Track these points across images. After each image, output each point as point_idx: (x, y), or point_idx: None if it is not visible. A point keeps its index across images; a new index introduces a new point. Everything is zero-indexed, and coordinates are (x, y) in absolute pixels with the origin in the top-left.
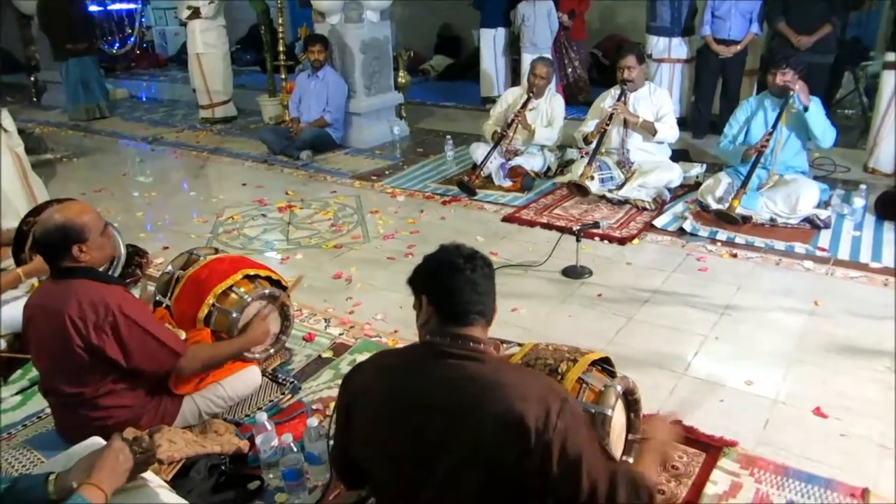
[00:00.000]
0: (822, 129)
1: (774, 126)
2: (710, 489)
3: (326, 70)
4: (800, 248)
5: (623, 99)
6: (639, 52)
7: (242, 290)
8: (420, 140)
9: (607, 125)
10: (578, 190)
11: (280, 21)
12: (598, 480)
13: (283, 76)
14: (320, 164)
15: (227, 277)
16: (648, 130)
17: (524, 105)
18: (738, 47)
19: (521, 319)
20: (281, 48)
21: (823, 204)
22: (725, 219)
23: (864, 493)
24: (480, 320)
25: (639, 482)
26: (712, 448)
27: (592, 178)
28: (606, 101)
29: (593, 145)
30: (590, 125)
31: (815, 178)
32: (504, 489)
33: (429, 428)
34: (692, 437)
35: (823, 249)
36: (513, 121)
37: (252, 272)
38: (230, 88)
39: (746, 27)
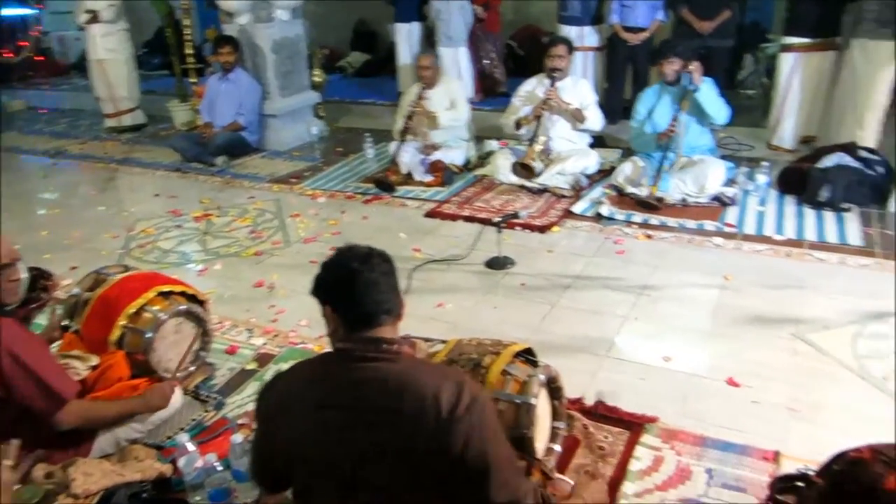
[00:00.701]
0: (715, 108)
1: (678, 112)
2: (633, 465)
3: (238, 72)
4: (709, 225)
5: (553, 85)
6: (569, 42)
7: (156, 307)
8: (339, 139)
9: (543, 110)
10: (524, 170)
11: (186, 23)
12: (502, 486)
13: (192, 80)
14: (237, 169)
15: (138, 296)
16: (577, 118)
17: (420, 97)
18: (646, 34)
19: (447, 314)
20: (189, 51)
21: (730, 182)
22: (645, 205)
23: (776, 455)
24: (388, 319)
25: (545, 498)
26: (635, 425)
27: (534, 159)
28: (536, 89)
29: (524, 130)
30: (524, 111)
31: (722, 157)
32: (430, 485)
33: (350, 432)
34: (615, 417)
35: (731, 225)
36: (411, 113)
37: (166, 288)
38: (137, 95)
39: (652, 15)
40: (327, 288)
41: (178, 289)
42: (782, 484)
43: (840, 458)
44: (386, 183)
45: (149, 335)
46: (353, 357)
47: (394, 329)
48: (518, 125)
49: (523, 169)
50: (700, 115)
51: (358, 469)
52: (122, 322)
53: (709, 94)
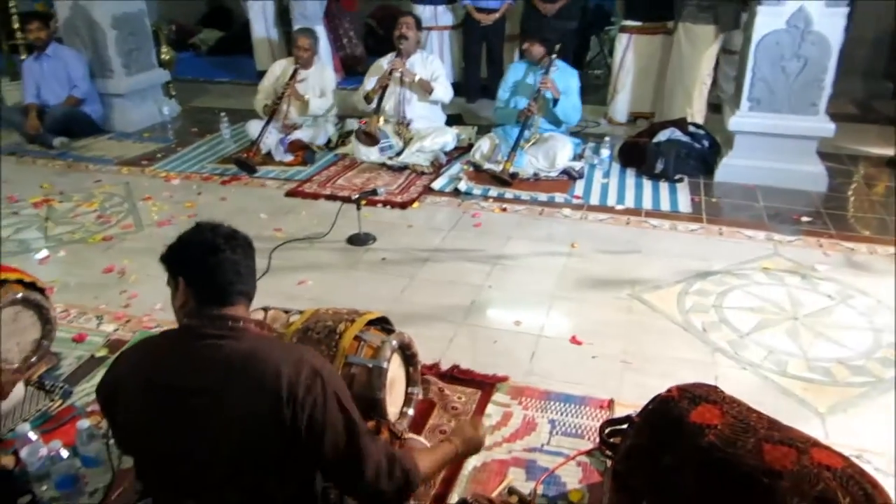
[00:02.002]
0: (567, 116)
1: (535, 96)
2: (484, 422)
3: (55, 47)
4: (559, 197)
5: (400, 55)
6: (416, 17)
7: None
8: (194, 119)
9: (388, 80)
10: (367, 138)
11: None
12: (342, 451)
13: (22, 56)
14: (80, 151)
15: None
16: (425, 89)
17: (292, 76)
18: (497, 15)
19: (308, 291)
20: (15, 25)
21: (578, 157)
22: (499, 181)
23: (611, 403)
24: (242, 300)
25: (398, 460)
26: (486, 385)
27: (378, 127)
28: (384, 63)
29: (373, 104)
30: (370, 83)
31: (571, 134)
32: (271, 460)
33: (189, 410)
34: (469, 378)
35: (578, 197)
36: (283, 94)
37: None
38: None
39: None
40: (184, 261)
41: (13, 276)
42: (610, 427)
43: (654, 398)
44: (248, 164)
45: None
46: (197, 334)
47: (246, 310)
48: (368, 99)
49: (367, 137)
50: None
51: (193, 449)
52: None
53: (563, 107)
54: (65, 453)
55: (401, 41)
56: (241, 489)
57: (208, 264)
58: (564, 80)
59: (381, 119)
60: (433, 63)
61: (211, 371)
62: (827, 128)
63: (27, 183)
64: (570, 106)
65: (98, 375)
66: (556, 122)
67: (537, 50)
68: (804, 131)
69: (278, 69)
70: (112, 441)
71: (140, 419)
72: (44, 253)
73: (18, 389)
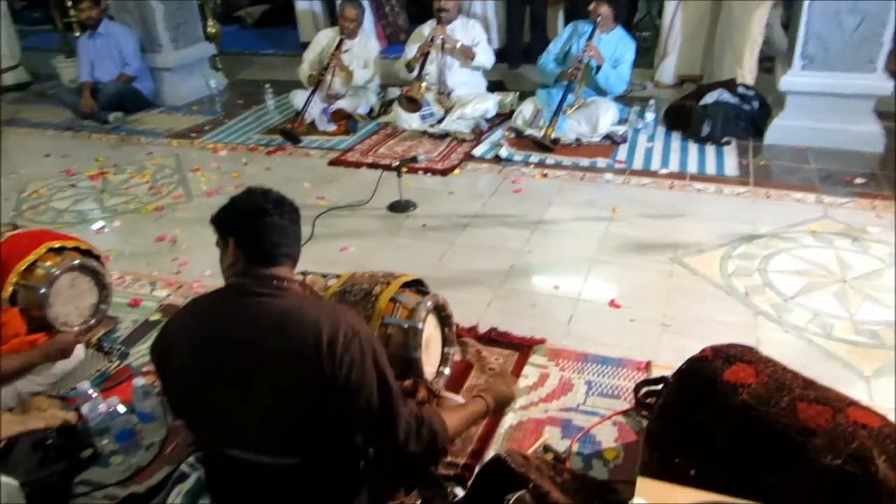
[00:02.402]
0: (610, 85)
1: (579, 62)
2: (521, 383)
3: (106, 24)
4: (601, 162)
5: (440, 22)
6: None
7: (49, 263)
8: (240, 91)
9: (429, 48)
10: (410, 103)
11: None
12: (375, 410)
13: (77, 34)
14: (132, 125)
15: (28, 252)
16: (466, 55)
17: (338, 47)
18: None
19: (350, 257)
20: (69, 3)
21: (621, 121)
22: (541, 146)
23: (648, 365)
24: (288, 262)
25: (426, 419)
26: (524, 347)
27: (420, 93)
28: (425, 29)
29: (416, 72)
30: (411, 51)
31: (615, 98)
32: (314, 412)
33: (234, 363)
34: (506, 341)
35: (621, 162)
36: (328, 64)
37: (57, 244)
38: (17, 51)
39: None
40: (234, 222)
41: (70, 244)
42: (645, 387)
43: (689, 359)
44: (292, 134)
45: (43, 291)
46: (244, 291)
47: (290, 271)
48: (409, 67)
49: (409, 102)
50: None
51: (239, 401)
52: (13, 279)
53: (605, 76)
54: (122, 409)
55: (440, 13)
56: (284, 441)
57: (257, 226)
58: (619, 48)
59: (424, 85)
60: (474, 28)
61: (255, 326)
62: (885, 86)
63: (83, 157)
64: (615, 75)
65: (153, 337)
66: (600, 90)
67: (604, 11)
68: (860, 90)
69: (324, 39)
70: (165, 398)
71: (190, 373)
72: (99, 223)
73: (79, 351)
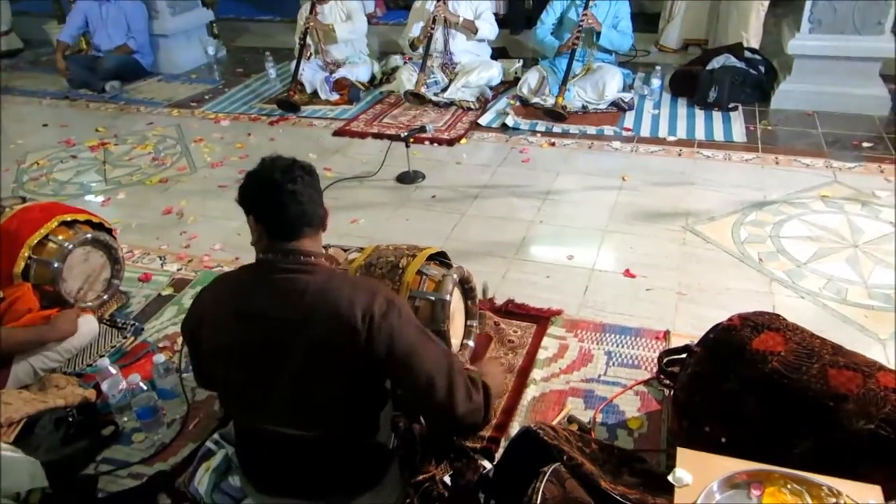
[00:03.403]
0: (616, 44)
1: (578, 31)
2: (541, 354)
3: None
4: (608, 130)
5: (443, 0)
6: None
7: (61, 237)
8: (239, 59)
9: (432, 28)
10: (416, 98)
11: None
12: (435, 375)
13: None
14: (131, 94)
15: (40, 226)
16: (470, 29)
17: (312, 10)
18: None
19: (360, 229)
20: None
21: (627, 87)
22: (554, 115)
23: (666, 334)
24: (309, 231)
25: (474, 376)
26: (542, 319)
27: (427, 84)
28: (427, 3)
29: (421, 51)
30: (414, 30)
31: (620, 64)
32: (348, 386)
33: (270, 339)
34: (523, 313)
35: (628, 129)
36: (306, 28)
37: (69, 217)
38: (8, 17)
39: None
40: (250, 198)
41: (81, 217)
42: (668, 357)
43: (715, 328)
44: (289, 103)
45: (56, 265)
46: (273, 268)
47: (315, 240)
48: (413, 45)
49: (415, 98)
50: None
51: (273, 376)
52: (25, 254)
53: (608, 37)
54: (144, 386)
55: None
56: (318, 416)
57: (270, 201)
58: (613, 6)
59: (428, 74)
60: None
61: (289, 302)
62: (892, 48)
63: (82, 126)
64: (618, 35)
65: (167, 313)
66: (609, 50)
67: None
68: (868, 52)
69: (305, 11)
70: (184, 375)
71: (225, 349)
72: (104, 196)
73: (93, 325)
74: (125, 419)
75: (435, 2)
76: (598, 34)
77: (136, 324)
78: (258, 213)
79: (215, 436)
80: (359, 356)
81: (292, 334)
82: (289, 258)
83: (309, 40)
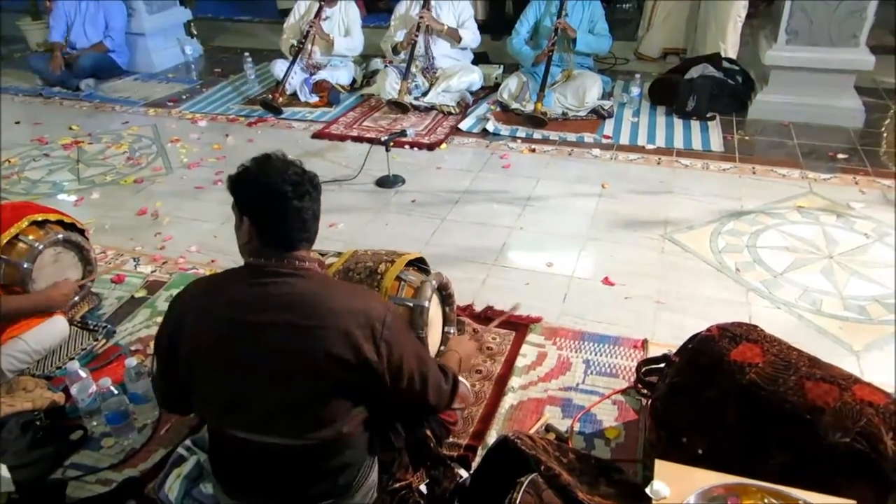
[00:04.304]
0: (594, 47)
1: (553, 38)
2: (520, 362)
3: None
4: (588, 137)
5: (427, 6)
6: None
7: (31, 237)
8: (216, 59)
9: (416, 35)
10: (398, 107)
11: None
12: (414, 372)
13: None
14: (106, 92)
15: (10, 226)
16: (453, 38)
17: (317, 14)
18: None
19: (340, 234)
20: None
21: (607, 95)
22: (534, 121)
23: (645, 343)
24: (305, 245)
25: (445, 369)
26: (521, 326)
27: (410, 92)
28: (412, 8)
29: (402, 56)
30: (398, 35)
31: (600, 71)
32: (333, 393)
33: (259, 344)
34: (503, 320)
35: (608, 137)
36: (308, 32)
37: (40, 217)
38: None
39: None
40: (250, 202)
41: (53, 217)
42: (647, 366)
43: (694, 338)
44: (273, 105)
45: (26, 266)
46: (264, 272)
47: (307, 252)
48: (395, 51)
49: (397, 107)
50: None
51: (260, 382)
52: None
53: (585, 41)
54: (115, 390)
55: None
56: (301, 423)
57: (274, 212)
58: (587, 10)
59: (410, 83)
60: (461, 4)
61: (283, 308)
62: (867, 60)
63: (55, 124)
64: (594, 38)
65: (139, 315)
66: (587, 54)
67: None
68: (843, 64)
69: (303, 7)
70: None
71: (206, 352)
72: (76, 195)
73: (63, 326)
74: (94, 423)
75: (418, 7)
76: (574, 40)
77: (109, 326)
78: (256, 220)
79: (187, 442)
80: (353, 364)
81: (284, 341)
82: (283, 262)
83: (308, 45)
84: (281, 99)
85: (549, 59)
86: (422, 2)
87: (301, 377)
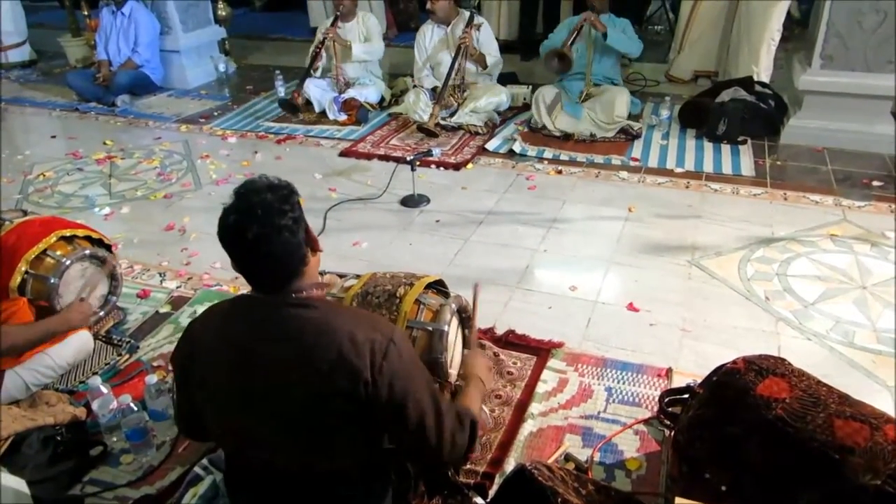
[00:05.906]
0: (625, 46)
1: (578, 30)
2: (540, 388)
3: (132, 5)
4: (616, 159)
5: (470, 28)
6: None
7: (59, 252)
8: (249, 77)
9: (460, 62)
10: (427, 133)
11: None
12: (426, 415)
13: (85, 12)
14: (140, 108)
15: (39, 241)
16: (481, 63)
17: (333, 23)
18: None
19: (363, 252)
20: None
21: (636, 117)
22: (427, 132)
23: (669, 371)
24: (295, 276)
25: (462, 413)
26: (542, 351)
27: (437, 120)
28: (433, 37)
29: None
30: (426, 72)
31: (630, 93)
32: (340, 425)
33: (265, 376)
34: (524, 344)
35: (636, 160)
36: (324, 39)
37: (68, 233)
38: (23, 28)
39: None
40: (224, 247)
41: (81, 233)
42: (670, 397)
43: (719, 369)
44: (292, 104)
45: (53, 281)
46: (265, 304)
47: (305, 275)
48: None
49: (426, 133)
50: (611, 50)
51: (269, 414)
52: (22, 268)
53: (615, 36)
54: (135, 406)
55: (432, 13)
56: (312, 451)
57: (243, 256)
58: (618, 24)
59: (439, 113)
60: (485, 31)
61: (286, 341)
62: None
63: (90, 139)
64: (624, 36)
65: (163, 331)
66: (612, 74)
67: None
68: (879, 90)
69: (323, 26)
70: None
71: (217, 383)
72: (107, 209)
73: (87, 342)
74: (114, 439)
75: (438, 36)
76: (605, 35)
77: (132, 341)
78: (235, 264)
79: (204, 461)
80: (358, 398)
81: (289, 374)
82: (282, 297)
83: (323, 53)
84: (299, 99)
85: (578, 31)
86: (444, 30)
87: (305, 409)
